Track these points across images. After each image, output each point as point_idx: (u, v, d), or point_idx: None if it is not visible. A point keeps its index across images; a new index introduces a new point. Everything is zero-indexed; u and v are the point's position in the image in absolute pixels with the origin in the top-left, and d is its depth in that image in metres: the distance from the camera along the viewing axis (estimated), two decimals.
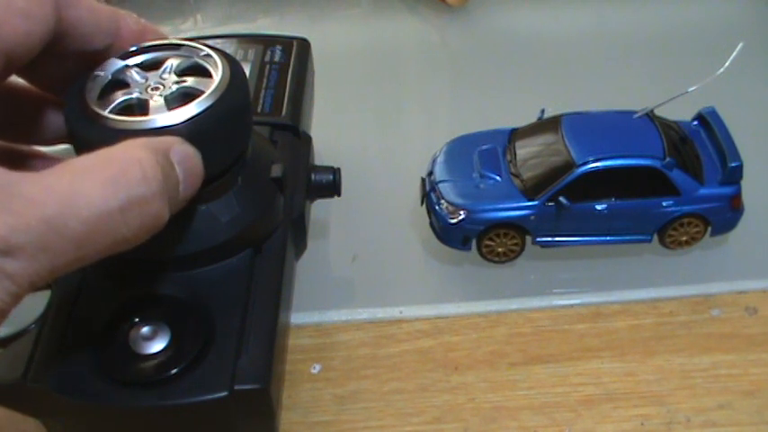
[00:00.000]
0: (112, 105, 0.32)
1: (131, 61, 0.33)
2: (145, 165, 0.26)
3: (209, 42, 0.35)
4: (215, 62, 0.33)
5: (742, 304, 0.45)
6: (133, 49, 0.34)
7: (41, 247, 0.23)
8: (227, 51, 0.35)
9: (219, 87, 0.32)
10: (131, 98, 0.32)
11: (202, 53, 0.34)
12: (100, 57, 0.33)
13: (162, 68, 0.34)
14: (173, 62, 0.34)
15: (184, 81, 0.33)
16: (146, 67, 0.34)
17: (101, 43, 0.32)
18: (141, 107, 0.32)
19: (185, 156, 0.29)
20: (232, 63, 0.34)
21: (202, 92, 0.32)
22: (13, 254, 0.23)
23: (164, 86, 0.33)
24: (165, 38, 0.35)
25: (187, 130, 0.30)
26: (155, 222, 0.26)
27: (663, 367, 0.42)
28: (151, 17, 0.71)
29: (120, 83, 0.33)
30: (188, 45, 0.34)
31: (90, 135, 0.30)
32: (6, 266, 0.23)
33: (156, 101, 0.32)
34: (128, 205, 0.25)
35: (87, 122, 0.31)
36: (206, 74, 0.33)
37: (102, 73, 0.33)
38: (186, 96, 0.32)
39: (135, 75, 0.33)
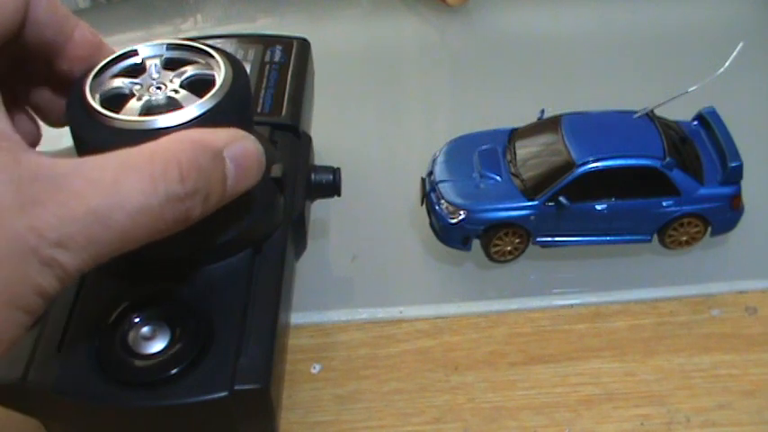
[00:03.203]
0: (125, 108, 0.32)
1: (106, 75, 0.33)
2: (183, 164, 0.27)
3: (210, 42, 0.35)
4: (217, 62, 0.33)
5: (742, 304, 0.45)
6: (121, 53, 0.34)
7: (88, 238, 0.25)
8: (227, 51, 0.35)
9: (222, 88, 0.32)
10: (140, 102, 0.32)
11: (163, 47, 0.34)
12: (55, 60, 0.33)
13: (147, 71, 0.34)
14: (152, 62, 0.34)
15: (185, 71, 0.33)
16: (126, 75, 0.34)
17: (53, 36, 0.32)
18: (152, 107, 0.32)
19: (243, 152, 0.29)
20: (234, 63, 0.34)
21: (210, 74, 0.32)
22: (64, 244, 0.24)
23: (166, 83, 0.33)
24: (114, 54, 0.35)
25: None
26: (186, 218, 0.27)
27: (663, 367, 0.42)
28: (151, 17, 0.72)
29: (118, 96, 0.33)
30: (146, 45, 0.34)
31: (94, 137, 0.30)
32: (58, 256, 0.24)
33: (178, 93, 0.32)
34: (166, 202, 0.26)
35: (91, 124, 0.31)
36: (193, 62, 0.34)
37: (91, 79, 0.33)
38: (198, 83, 0.32)
39: (124, 84, 0.33)
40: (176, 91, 0.33)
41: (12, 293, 0.24)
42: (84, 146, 0.32)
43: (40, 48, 0.32)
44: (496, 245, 0.45)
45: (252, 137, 0.30)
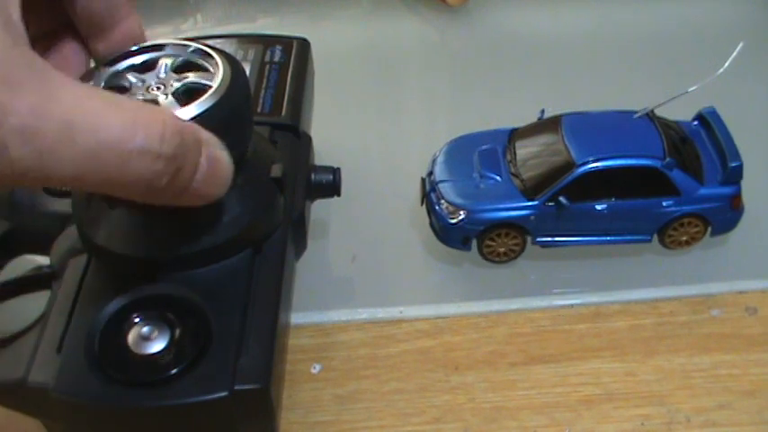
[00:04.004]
0: None
1: (122, 65, 0.33)
2: (167, 127, 0.27)
3: (209, 42, 0.35)
4: (215, 62, 0.33)
5: (742, 304, 0.45)
6: (117, 55, 0.33)
7: (49, 146, 0.24)
8: (227, 51, 0.35)
9: (220, 88, 0.32)
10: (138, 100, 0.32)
11: (189, 49, 0.34)
12: (93, 39, 0.33)
13: (157, 68, 0.34)
14: (165, 61, 0.34)
15: (186, 77, 0.33)
16: (138, 69, 0.34)
17: (99, 18, 0.32)
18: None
19: (219, 158, 0.29)
20: (232, 63, 0.34)
21: (208, 85, 0.32)
22: (25, 137, 0.23)
23: (165, 85, 0.33)
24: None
25: None
26: (151, 182, 0.27)
27: (663, 367, 0.42)
28: (151, 17, 0.72)
29: (117, 88, 0.33)
30: (173, 43, 0.34)
31: None
32: (10, 146, 0.23)
33: (166, 99, 0.32)
34: (136, 152, 0.26)
35: None
36: (202, 68, 0.33)
37: (91, 82, 0.33)
38: (193, 91, 0.32)
39: (131, 78, 0.33)
40: (172, 93, 0.33)
41: None
42: None
43: (83, 21, 0.32)
44: (489, 245, 0.45)
45: (227, 153, 0.30)
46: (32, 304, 0.36)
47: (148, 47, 0.34)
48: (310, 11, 0.71)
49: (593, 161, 0.44)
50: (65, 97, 0.24)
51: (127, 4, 0.33)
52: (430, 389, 0.42)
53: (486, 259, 0.46)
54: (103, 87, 0.32)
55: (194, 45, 0.34)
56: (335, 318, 0.45)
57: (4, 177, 0.24)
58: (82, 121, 0.24)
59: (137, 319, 0.33)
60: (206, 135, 0.29)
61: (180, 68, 0.34)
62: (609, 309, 0.45)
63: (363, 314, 0.45)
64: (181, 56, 0.34)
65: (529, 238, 0.46)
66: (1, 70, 0.23)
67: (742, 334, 0.44)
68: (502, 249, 0.46)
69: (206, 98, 0.31)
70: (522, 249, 0.46)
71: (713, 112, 0.48)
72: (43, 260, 0.39)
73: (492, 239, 0.45)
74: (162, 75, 0.33)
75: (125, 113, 0.26)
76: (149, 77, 0.33)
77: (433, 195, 0.46)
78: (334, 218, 0.51)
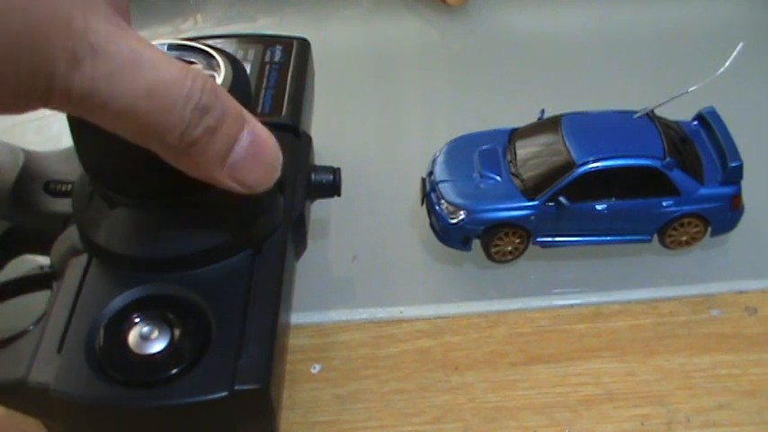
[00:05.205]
0: None
1: None
2: (209, 82, 0.27)
3: (210, 42, 0.35)
4: (217, 63, 0.33)
5: (742, 304, 0.45)
6: None
7: (116, 70, 0.25)
8: (227, 51, 0.35)
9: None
10: None
11: (212, 60, 0.34)
12: None
13: None
14: None
15: None
16: None
17: None
18: None
19: (262, 138, 0.29)
20: (234, 63, 0.34)
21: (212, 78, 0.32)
22: (97, 53, 0.24)
23: None
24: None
25: None
26: (185, 130, 0.27)
27: (663, 367, 0.42)
28: (151, 17, 0.72)
29: None
30: (201, 49, 0.34)
31: (93, 137, 0.30)
32: (86, 61, 0.24)
33: None
34: (184, 97, 0.26)
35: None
36: (204, 66, 0.33)
37: None
38: None
39: None
40: None
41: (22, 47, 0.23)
42: (84, 144, 0.31)
43: None
44: (497, 245, 0.45)
45: (275, 140, 0.30)
46: (32, 304, 0.36)
47: (178, 45, 0.34)
48: (310, 11, 0.71)
49: (593, 161, 0.44)
50: (131, 33, 0.25)
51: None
52: (430, 389, 0.42)
53: (492, 260, 0.46)
54: None
55: (218, 58, 0.34)
56: (335, 318, 0.45)
57: (73, 95, 0.24)
58: (148, 56, 0.25)
59: (137, 319, 0.33)
60: (250, 116, 0.29)
61: None
62: (609, 309, 0.45)
63: (363, 314, 0.45)
64: (192, 59, 0.34)
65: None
66: None
67: (742, 334, 0.44)
68: (509, 248, 0.46)
69: None
70: (525, 248, 0.46)
71: (713, 112, 0.48)
72: (43, 260, 0.39)
73: (500, 239, 0.45)
74: None
75: (178, 63, 0.27)
76: None
77: (433, 195, 0.46)
78: (334, 218, 0.51)
